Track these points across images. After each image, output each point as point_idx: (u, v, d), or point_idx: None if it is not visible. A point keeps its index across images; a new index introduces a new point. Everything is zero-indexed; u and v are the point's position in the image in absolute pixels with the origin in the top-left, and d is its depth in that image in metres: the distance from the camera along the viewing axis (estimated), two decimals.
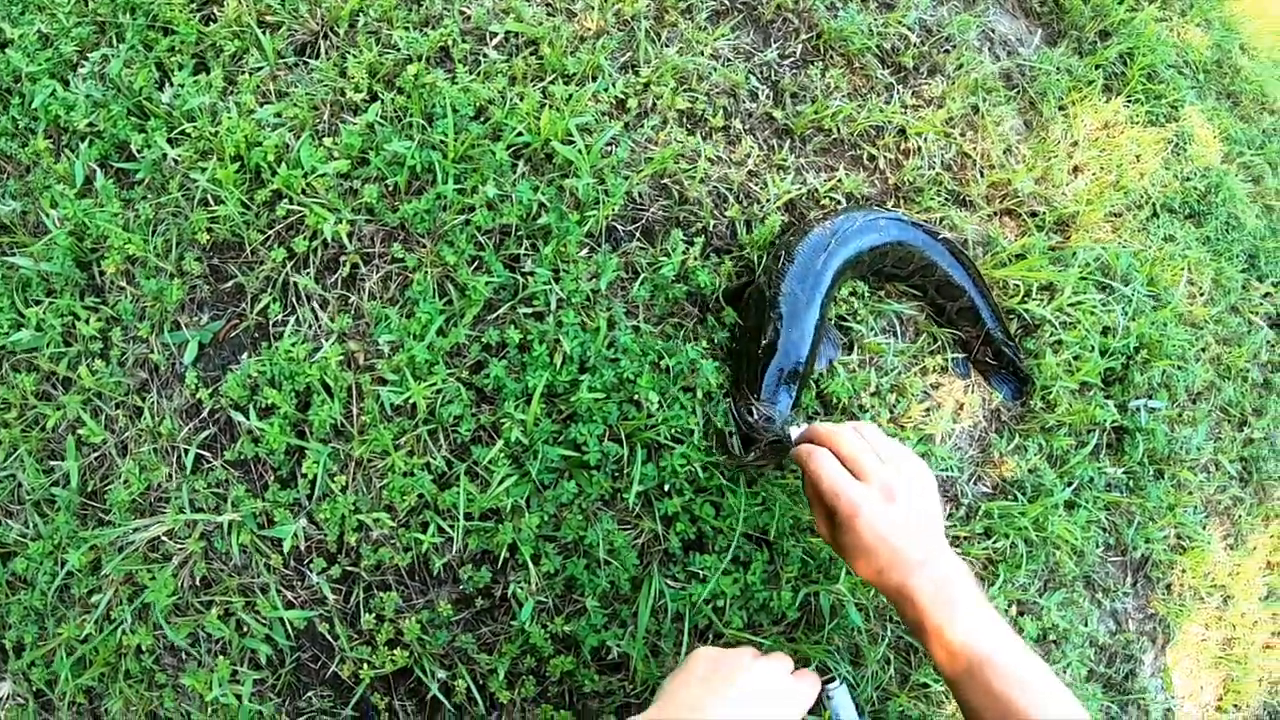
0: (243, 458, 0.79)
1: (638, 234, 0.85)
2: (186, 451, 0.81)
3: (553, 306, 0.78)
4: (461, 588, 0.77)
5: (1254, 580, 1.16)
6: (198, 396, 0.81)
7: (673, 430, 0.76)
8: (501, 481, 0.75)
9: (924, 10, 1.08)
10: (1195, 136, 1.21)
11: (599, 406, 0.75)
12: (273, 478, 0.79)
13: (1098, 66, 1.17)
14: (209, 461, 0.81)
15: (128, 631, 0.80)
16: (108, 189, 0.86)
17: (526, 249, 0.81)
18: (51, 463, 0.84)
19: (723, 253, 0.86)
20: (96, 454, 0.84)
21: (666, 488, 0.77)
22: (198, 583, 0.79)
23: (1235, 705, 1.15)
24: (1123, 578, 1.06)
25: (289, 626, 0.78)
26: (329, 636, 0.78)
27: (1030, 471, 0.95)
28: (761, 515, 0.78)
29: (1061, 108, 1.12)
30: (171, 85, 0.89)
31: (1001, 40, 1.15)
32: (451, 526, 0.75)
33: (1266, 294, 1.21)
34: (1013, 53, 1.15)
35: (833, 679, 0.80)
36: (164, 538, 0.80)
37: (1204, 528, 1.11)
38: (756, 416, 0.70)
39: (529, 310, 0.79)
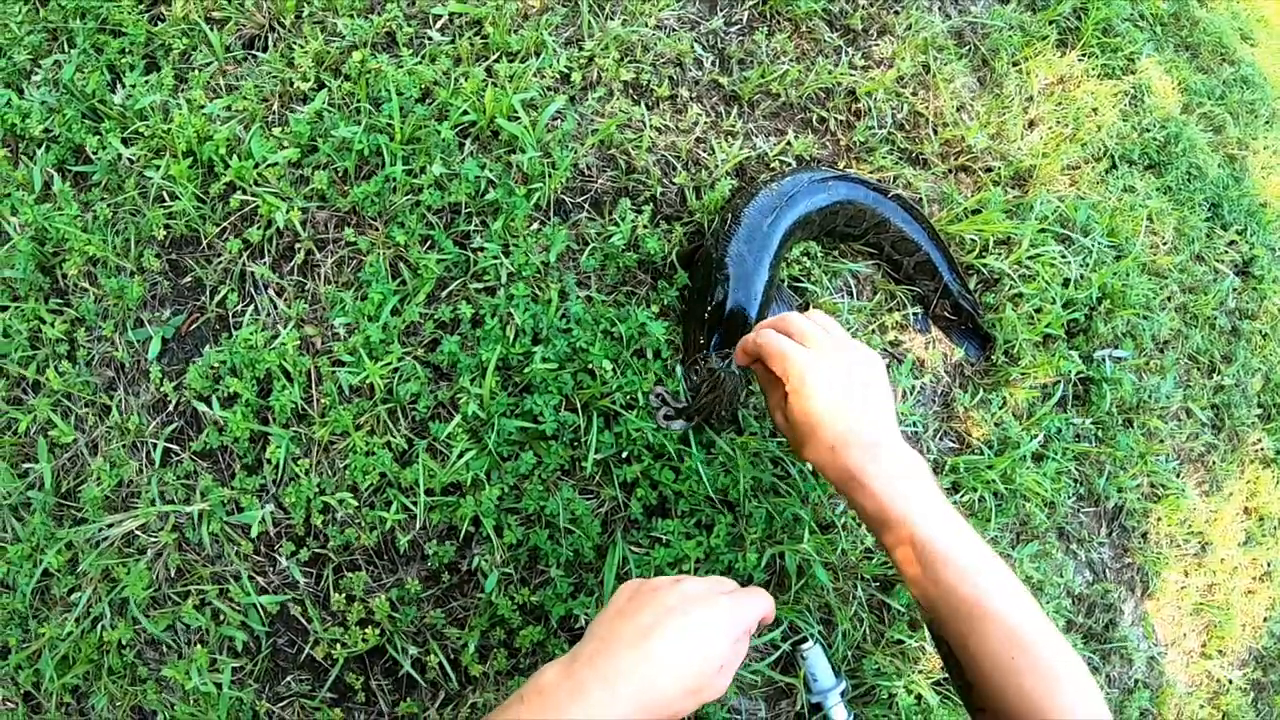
0: (209, 448, 0.79)
1: (586, 205, 0.84)
2: (155, 445, 0.80)
3: (503, 280, 0.77)
4: (428, 564, 0.76)
5: (1232, 526, 1.14)
6: (163, 391, 0.81)
7: (627, 396, 0.75)
8: (461, 456, 0.74)
9: None
10: (1153, 88, 1.19)
11: (553, 377, 0.75)
12: (239, 465, 0.79)
13: (1051, 22, 1.15)
14: (177, 454, 0.81)
15: (108, 627, 0.79)
16: (65, 193, 0.86)
17: (476, 225, 0.80)
18: (25, 465, 0.84)
19: (673, 219, 0.85)
20: (68, 454, 0.83)
21: (625, 454, 0.76)
22: (172, 574, 0.79)
23: (1220, 650, 1.14)
24: (1097, 528, 1.05)
25: (263, 611, 0.77)
26: (302, 619, 0.77)
27: (996, 425, 0.94)
28: (722, 478, 0.77)
29: (1015, 64, 1.10)
30: (123, 87, 0.89)
31: None
32: (414, 503, 0.75)
33: (1231, 241, 1.19)
34: (964, 11, 1.13)
35: (805, 639, 0.79)
36: (137, 531, 0.80)
37: (1178, 475, 1.09)
38: (702, 365, 0.69)
39: (480, 285, 0.78)
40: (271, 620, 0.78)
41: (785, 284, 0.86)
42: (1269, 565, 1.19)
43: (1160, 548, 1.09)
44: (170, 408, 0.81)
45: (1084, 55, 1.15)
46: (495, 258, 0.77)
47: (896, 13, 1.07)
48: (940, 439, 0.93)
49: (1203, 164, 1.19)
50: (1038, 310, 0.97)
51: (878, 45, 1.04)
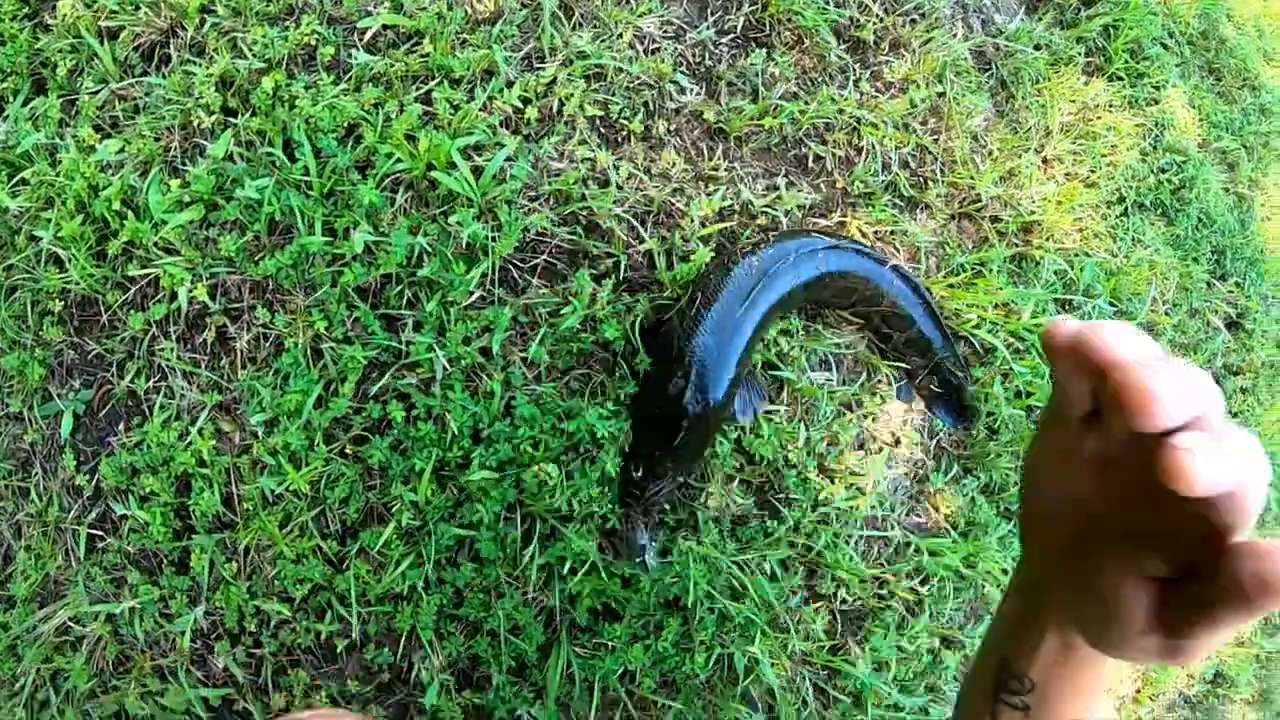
0: (133, 544, 0.70)
1: (538, 274, 0.70)
2: (78, 534, 0.71)
3: (439, 374, 0.65)
4: (369, 664, 0.69)
5: None
6: (78, 482, 0.70)
7: (570, 507, 0.66)
8: (397, 564, 0.66)
9: None
10: (1176, 122, 1.02)
11: (494, 485, 0.64)
12: (166, 562, 0.70)
13: (1079, 39, 0.96)
14: (103, 540, 0.71)
15: (55, 714, 0.74)
16: None
17: (409, 300, 0.67)
18: None
19: (638, 290, 0.72)
20: None
21: (570, 565, 0.67)
22: (111, 662, 0.72)
23: (1152, 696, 1.13)
24: None
25: (206, 704, 0.71)
26: (245, 713, 0.71)
27: (970, 502, 0.86)
28: (675, 586, 0.69)
29: (1037, 87, 0.92)
30: (4, 120, 0.71)
31: (976, 8, 0.93)
32: (350, 611, 0.67)
33: (1229, 293, 1.07)
34: (988, 22, 0.93)
35: None
36: (70, 623, 0.72)
37: None
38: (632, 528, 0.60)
39: (414, 379, 0.66)
40: (214, 710, 0.72)
41: (759, 367, 0.74)
42: None
43: None
44: (89, 492, 0.71)
45: (1110, 80, 0.96)
46: (429, 349, 0.65)
47: (914, 22, 0.87)
48: (909, 515, 0.85)
49: (1213, 209, 1.05)
50: (1029, 382, 0.86)
51: (889, 64, 0.85)
